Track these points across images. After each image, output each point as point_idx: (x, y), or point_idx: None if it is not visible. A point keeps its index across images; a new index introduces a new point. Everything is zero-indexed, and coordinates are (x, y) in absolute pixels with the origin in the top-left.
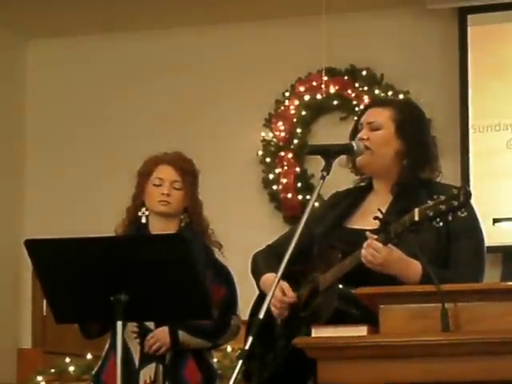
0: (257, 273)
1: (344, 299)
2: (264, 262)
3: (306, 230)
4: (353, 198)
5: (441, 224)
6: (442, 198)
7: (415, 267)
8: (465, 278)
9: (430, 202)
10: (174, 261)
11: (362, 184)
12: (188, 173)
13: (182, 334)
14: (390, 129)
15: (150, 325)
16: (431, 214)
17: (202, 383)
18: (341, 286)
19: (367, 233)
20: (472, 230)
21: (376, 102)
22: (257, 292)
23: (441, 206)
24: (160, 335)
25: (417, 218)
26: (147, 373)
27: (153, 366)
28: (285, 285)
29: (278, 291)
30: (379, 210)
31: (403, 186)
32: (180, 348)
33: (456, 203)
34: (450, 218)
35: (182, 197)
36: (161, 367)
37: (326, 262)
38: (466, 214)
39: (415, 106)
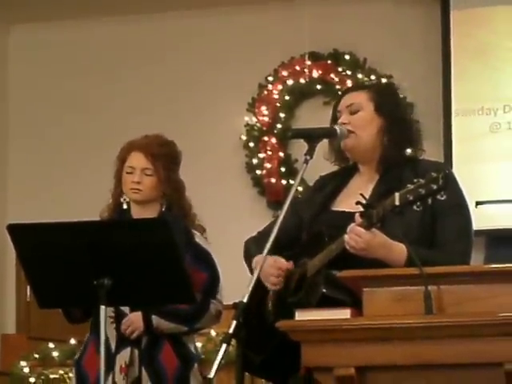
0: (249, 259)
1: (331, 284)
2: (256, 247)
3: (294, 216)
4: (339, 181)
5: (421, 208)
6: (422, 181)
7: (400, 250)
8: (451, 258)
9: (410, 186)
10: (156, 245)
11: (348, 165)
12: (160, 157)
13: (156, 319)
14: (370, 108)
15: (125, 309)
16: (411, 198)
17: (179, 367)
18: (328, 271)
19: (356, 215)
20: (457, 207)
21: (351, 88)
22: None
23: (420, 190)
24: (133, 319)
25: (397, 203)
26: (123, 357)
27: (128, 350)
28: (276, 257)
29: (269, 265)
30: (361, 194)
31: (387, 165)
32: (154, 332)
33: (435, 186)
34: (430, 201)
35: (154, 183)
36: (136, 352)
37: (314, 247)
38: (451, 193)
39: (390, 85)
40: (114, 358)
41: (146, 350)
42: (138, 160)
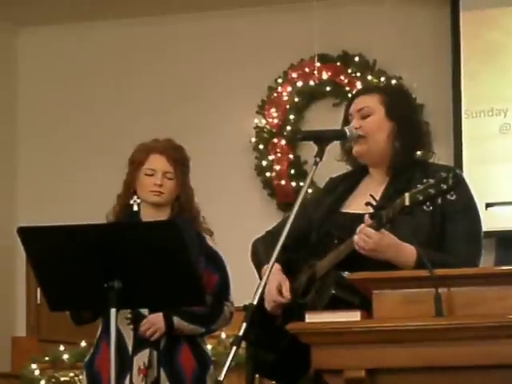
0: (256, 261)
1: (341, 286)
2: (264, 250)
3: (304, 217)
4: (349, 182)
5: (431, 208)
6: (432, 181)
7: (409, 251)
8: (461, 261)
9: (420, 186)
10: (168, 248)
11: (359, 166)
12: (179, 162)
13: (177, 320)
14: (381, 112)
15: (144, 311)
16: (421, 198)
17: (197, 369)
18: (338, 273)
19: (366, 216)
20: (467, 210)
21: (362, 90)
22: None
23: (430, 190)
24: (155, 320)
25: (407, 203)
26: (141, 359)
27: (146, 351)
28: (283, 281)
29: (274, 287)
30: (371, 195)
31: (398, 168)
32: (174, 333)
33: (445, 186)
34: (440, 201)
35: (174, 186)
36: (155, 353)
37: (324, 248)
38: (460, 194)
39: (402, 88)
40: (131, 359)
41: (165, 351)
42: (160, 163)
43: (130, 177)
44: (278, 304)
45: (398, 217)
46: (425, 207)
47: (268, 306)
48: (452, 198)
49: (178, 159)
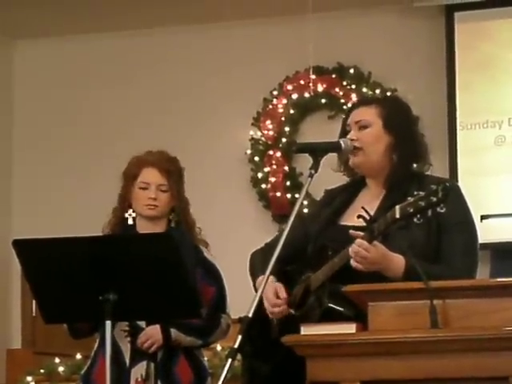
0: (253, 273)
1: (334, 298)
2: (261, 262)
3: (301, 229)
4: (347, 194)
5: (421, 221)
6: (422, 194)
7: (398, 262)
8: (456, 274)
9: (410, 199)
10: (163, 260)
11: (356, 178)
12: (173, 173)
13: (174, 332)
14: (378, 125)
15: (142, 323)
16: (411, 210)
17: (194, 381)
18: (332, 285)
19: (350, 231)
20: (463, 222)
21: (361, 102)
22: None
23: (420, 203)
24: (152, 332)
25: (398, 216)
26: (138, 371)
27: (144, 364)
28: (279, 286)
29: (272, 293)
30: (363, 208)
31: (395, 180)
32: (172, 345)
33: (435, 199)
34: (430, 213)
35: (168, 198)
36: (152, 365)
37: (318, 260)
38: (457, 206)
39: (400, 101)
40: (128, 372)
41: (162, 363)
42: (153, 176)
43: (124, 191)
44: (281, 309)
45: (391, 229)
46: (415, 220)
47: (271, 313)
48: (443, 211)
49: (172, 171)
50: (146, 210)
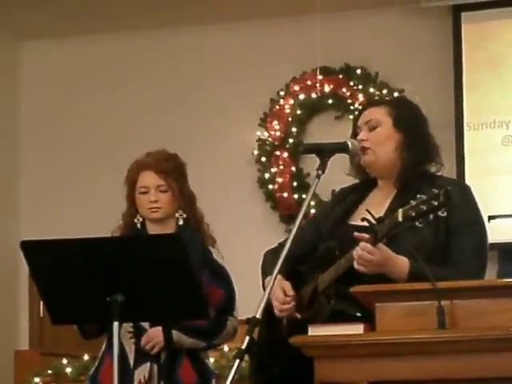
0: (264, 272)
1: (342, 299)
2: (271, 261)
3: (313, 228)
4: (358, 193)
5: (423, 224)
6: (424, 197)
7: (402, 265)
8: (463, 276)
9: (413, 202)
10: (170, 261)
11: (368, 177)
12: (171, 171)
13: (176, 334)
14: (388, 124)
15: (145, 325)
16: (413, 214)
17: (197, 383)
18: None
19: (355, 234)
20: (472, 224)
21: (370, 103)
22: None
23: (422, 206)
24: (154, 334)
25: (400, 219)
26: (142, 372)
27: (147, 365)
28: (286, 284)
29: (280, 292)
30: (367, 210)
31: (406, 179)
32: (174, 347)
33: (436, 203)
34: (431, 217)
35: (170, 197)
36: (155, 367)
37: (326, 261)
38: (466, 208)
39: (409, 101)
40: (132, 372)
41: (166, 364)
42: (150, 179)
43: (129, 196)
44: (290, 306)
45: (397, 231)
46: (417, 223)
47: (279, 311)
48: (444, 215)
49: (169, 169)
50: (149, 213)
